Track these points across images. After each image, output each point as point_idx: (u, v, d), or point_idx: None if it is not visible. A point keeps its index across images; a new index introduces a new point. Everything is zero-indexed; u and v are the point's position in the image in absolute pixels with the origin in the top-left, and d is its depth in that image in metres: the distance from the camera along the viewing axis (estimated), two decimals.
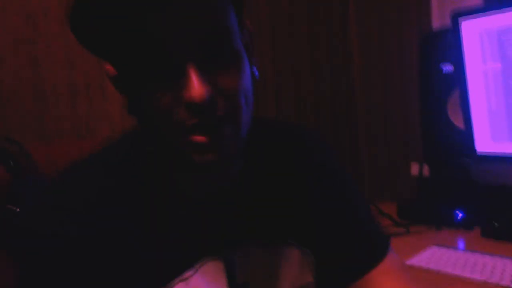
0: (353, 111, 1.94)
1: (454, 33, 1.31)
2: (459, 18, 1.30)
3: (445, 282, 1.03)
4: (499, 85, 1.25)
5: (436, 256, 1.14)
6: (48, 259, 0.58)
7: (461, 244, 1.25)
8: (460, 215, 1.34)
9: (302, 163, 0.74)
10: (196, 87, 0.51)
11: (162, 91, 0.53)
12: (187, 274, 0.63)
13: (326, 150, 0.78)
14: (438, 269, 1.08)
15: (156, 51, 0.52)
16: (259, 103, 1.05)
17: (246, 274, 0.67)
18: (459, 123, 1.43)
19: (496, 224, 1.25)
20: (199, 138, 0.54)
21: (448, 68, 1.45)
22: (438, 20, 1.65)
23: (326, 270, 0.75)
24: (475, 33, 1.27)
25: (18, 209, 0.81)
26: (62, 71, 1.37)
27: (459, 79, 1.34)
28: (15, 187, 0.83)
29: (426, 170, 1.62)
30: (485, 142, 1.30)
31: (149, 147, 0.63)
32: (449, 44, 1.39)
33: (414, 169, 1.67)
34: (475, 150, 1.33)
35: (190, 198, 0.64)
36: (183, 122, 0.54)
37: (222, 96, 0.54)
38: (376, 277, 0.74)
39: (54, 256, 0.57)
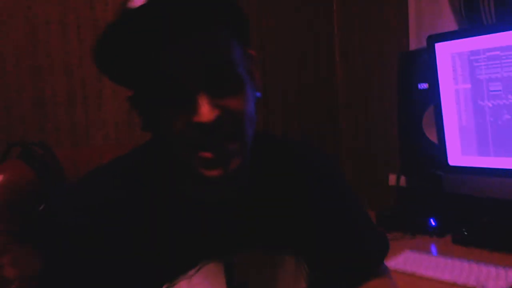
0: (337, 125, 2.04)
1: (429, 54, 1.43)
2: (434, 41, 1.41)
3: (419, 283, 1.13)
4: (469, 104, 1.36)
5: (411, 260, 1.24)
6: (71, 249, 0.66)
7: (433, 250, 1.35)
8: (433, 223, 1.44)
9: (302, 173, 0.81)
10: (205, 111, 0.60)
11: (175, 115, 0.62)
12: (190, 273, 0.70)
13: (325, 161, 0.86)
14: (413, 271, 1.18)
15: (169, 82, 0.61)
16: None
17: (244, 277, 0.74)
18: (433, 137, 1.54)
19: (465, 232, 1.36)
20: (207, 154, 0.63)
21: (423, 85, 1.56)
22: (415, 41, 1.77)
23: (324, 276, 0.81)
24: (448, 55, 1.38)
25: (41, 207, 0.89)
26: (61, 79, 1.44)
27: (433, 96, 1.45)
28: (42, 188, 0.91)
29: (403, 181, 1.73)
30: (456, 156, 1.41)
31: (159, 159, 0.71)
32: (424, 63, 1.51)
33: (392, 179, 1.78)
34: (447, 163, 1.44)
35: (196, 205, 0.72)
36: (193, 140, 0.62)
37: (229, 117, 0.62)
38: (373, 282, 0.83)
39: (76, 247, 0.66)
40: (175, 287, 0.69)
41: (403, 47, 1.78)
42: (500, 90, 1.29)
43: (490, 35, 1.30)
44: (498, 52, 1.28)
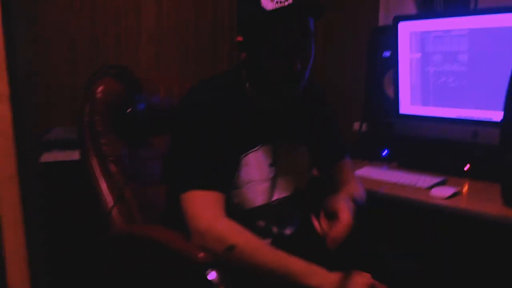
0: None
1: (393, 30, 1.95)
2: (398, 21, 1.93)
3: (374, 184, 1.68)
4: (419, 68, 1.90)
5: (369, 171, 1.79)
6: (200, 119, 1.15)
7: (384, 168, 1.91)
8: (385, 152, 2.00)
9: (316, 96, 1.36)
10: (297, 66, 1.12)
11: (282, 63, 1.12)
12: (254, 149, 1.21)
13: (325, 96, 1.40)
14: (370, 176, 1.72)
15: (278, 49, 1.11)
16: None
17: (279, 157, 1.26)
18: (390, 93, 2.08)
19: (406, 159, 1.92)
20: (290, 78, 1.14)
21: (387, 54, 2.09)
22: (384, 19, 2.29)
23: (318, 158, 1.36)
24: (407, 32, 1.91)
25: (129, 110, 1.34)
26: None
27: (393, 62, 1.98)
28: (128, 97, 1.36)
29: (364, 127, 2.27)
30: (406, 106, 1.96)
31: (246, 80, 1.21)
32: (389, 37, 2.03)
33: (356, 126, 2.31)
34: (398, 112, 1.98)
35: (262, 110, 1.23)
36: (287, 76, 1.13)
37: (304, 68, 1.14)
38: (342, 165, 1.38)
39: (203, 118, 1.15)
40: (248, 155, 1.20)
41: (374, 23, 2.31)
42: (439, 60, 1.84)
43: (437, 19, 1.84)
44: (441, 33, 1.82)
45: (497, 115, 1.66)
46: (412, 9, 2.21)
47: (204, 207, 1.08)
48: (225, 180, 1.15)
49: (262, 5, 1.07)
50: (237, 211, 1.18)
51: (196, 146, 1.13)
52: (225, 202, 1.12)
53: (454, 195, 1.50)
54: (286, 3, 1.07)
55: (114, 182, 1.29)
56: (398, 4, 2.25)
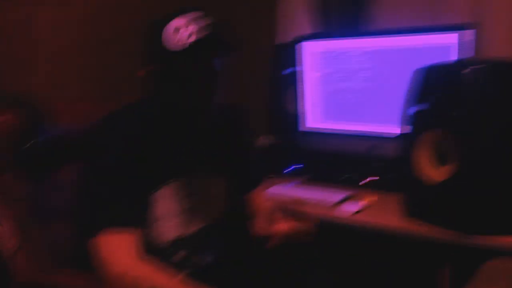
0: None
1: (295, 49, 2.01)
2: (300, 41, 2.00)
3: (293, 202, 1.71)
4: (320, 86, 1.98)
5: (280, 188, 1.82)
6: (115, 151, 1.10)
7: (291, 185, 1.95)
8: (290, 167, 2.05)
9: (233, 122, 1.35)
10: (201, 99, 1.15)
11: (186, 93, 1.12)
12: (169, 183, 1.18)
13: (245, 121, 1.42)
14: (281, 193, 1.76)
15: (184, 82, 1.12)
16: None
17: (194, 189, 1.23)
18: (294, 109, 2.14)
19: (312, 173, 1.99)
20: None
21: (289, 70, 2.15)
22: (282, 38, 2.36)
23: (236, 187, 1.36)
24: (309, 52, 1.98)
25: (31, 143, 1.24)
26: None
27: (296, 79, 2.04)
28: (31, 128, 1.26)
29: (268, 143, 2.31)
30: (310, 122, 2.03)
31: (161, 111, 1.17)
32: (292, 55, 2.09)
33: (260, 142, 2.35)
34: (302, 127, 2.05)
35: (177, 141, 1.19)
36: None
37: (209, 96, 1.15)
38: (256, 192, 1.39)
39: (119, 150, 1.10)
40: (161, 190, 1.17)
41: (273, 41, 2.36)
42: (340, 77, 1.93)
43: (336, 40, 1.93)
44: (340, 53, 1.91)
45: (394, 130, 1.78)
46: (307, 29, 2.30)
47: (118, 251, 1.06)
48: (137, 219, 1.12)
49: (164, 45, 1.06)
50: (153, 246, 1.15)
51: (107, 185, 1.10)
52: (140, 239, 1.10)
53: (361, 210, 1.58)
54: (188, 43, 1.05)
55: (17, 222, 1.18)
56: (295, 24, 2.33)
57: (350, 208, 1.58)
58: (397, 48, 1.78)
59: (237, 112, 1.37)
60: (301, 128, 2.06)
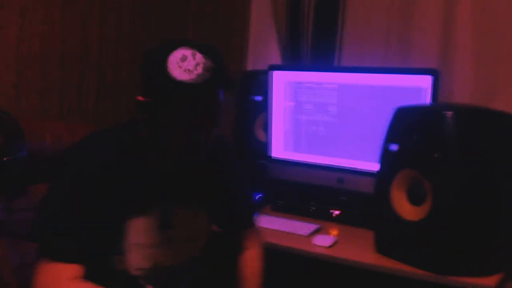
0: None
1: (267, 78, 2.02)
2: (272, 69, 2.01)
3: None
4: (291, 116, 1.99)
5: None
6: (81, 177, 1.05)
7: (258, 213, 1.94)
8: (258, 196, 2.04)
9: (220, 157, 1.27)
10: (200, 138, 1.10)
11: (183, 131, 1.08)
12: (144, 213, 1.13)
13: (233, 152, 1.37)
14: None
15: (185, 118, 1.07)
16: None
17: (168, 223, 1.17)
18: (261, 136, 2.14)
19: (279, 203, 1.98)
20: None
21: (258, 98, 2.15)
22: (252, 65, 2.37)
23: (220, 223, 1.32)
24: (281, 81, 1.99)
25: (5, 159, 1.17)
26: None
27: (265, 107, 2.05)
28: (7, 145, 1.18)
29: None
30: (279, 151, 2.04)
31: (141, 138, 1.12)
32: (262, 82, 2.09)
33: None
34: (270, 156, 2.05)
35: (156, 172, 1.14)
36: None
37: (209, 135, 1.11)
38: (246, 235, 1.36)
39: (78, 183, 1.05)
40: (135, 220, 1.11)
41: (243, 68, 2.37)
42: (311, 109, 1.95)
43: (309, 72, 1.96)
44: (313, 85, 1.94)
45: (362, 165, 1.83)
46: (277, 58, 2.33)
47: (53, 282, 1.02)
48: (92, 250, 1.07)
49: (170, 74, 1.00)
50: (121, 276, 1.12)
51: (64, 208, 1.05)
52: (109, 267, 1.08)
53: (334, 243, 1.58)
54: (195, 73, 1.00)
55: None
56: (266, 53, 2.35)
57: (323, 241, 1.58)
58: (367, 86, 1.83)
59: (224, 144, 1.31)
60: (269, 156, 2.06)
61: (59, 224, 1.05)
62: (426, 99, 1.69)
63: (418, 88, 1.71)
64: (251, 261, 1.35)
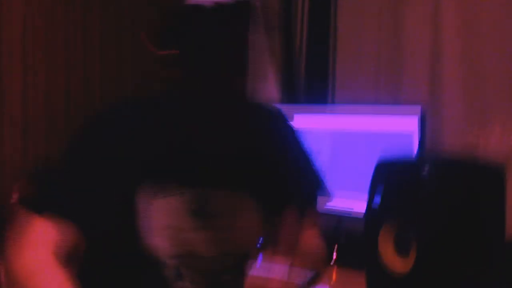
0: None
1: None
2: None
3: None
4: None
5: None
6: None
7: None
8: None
9: (268, 126, 1.11)
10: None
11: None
12: (175, 193, 0.97)
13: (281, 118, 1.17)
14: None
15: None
16: None
17: (204, 208, 1.00)
18: None
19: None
20: None
21: None
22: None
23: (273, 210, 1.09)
24: None
25: None
26: None
27: None
28: None
29: None
30: None
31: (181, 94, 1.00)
32: None
33: None
34: None
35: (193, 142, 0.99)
36: None
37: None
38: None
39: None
40: (164, 200, 0.97)
41: None
42: None
43: (301, 115, 1.98)
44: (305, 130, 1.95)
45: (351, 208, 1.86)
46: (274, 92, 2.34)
47: (35, 239, 0.91)
48: (99, 218, 0.95)
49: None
50: (152, 264, 0.99)
51: (74, 163, 0.96)
52: (137, 252, 0.97)
53: None
54: None
55: None
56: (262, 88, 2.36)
57: None
58: (356, 131, 1.85)
59: (273, 115, 1.15)
60: None
61: (60, 174, 0.96)
62: (414, 142, 1.70)
63: (405, 133, 1.72)
64: (310, 238, 1.20)
